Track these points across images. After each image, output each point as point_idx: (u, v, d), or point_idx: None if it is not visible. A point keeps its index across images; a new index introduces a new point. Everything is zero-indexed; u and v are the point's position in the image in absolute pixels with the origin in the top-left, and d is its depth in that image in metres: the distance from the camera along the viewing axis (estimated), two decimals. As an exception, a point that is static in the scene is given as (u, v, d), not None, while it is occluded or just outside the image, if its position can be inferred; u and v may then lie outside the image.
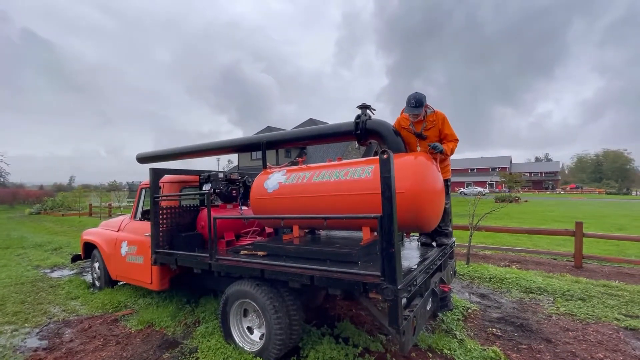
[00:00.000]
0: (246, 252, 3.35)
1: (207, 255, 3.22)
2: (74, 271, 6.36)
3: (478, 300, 4.43)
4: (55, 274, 6.20)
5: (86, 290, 5.04)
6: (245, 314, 3.17)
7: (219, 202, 4.33)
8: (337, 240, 3.50)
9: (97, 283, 5.09)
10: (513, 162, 76.15)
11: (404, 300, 2.42)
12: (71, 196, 27.43)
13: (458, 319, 3.77)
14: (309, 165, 3.72)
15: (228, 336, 3.16)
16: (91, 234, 5.21)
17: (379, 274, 2.21)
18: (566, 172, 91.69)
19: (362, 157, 3.67)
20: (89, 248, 5.29)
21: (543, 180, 70.71)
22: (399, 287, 2.12)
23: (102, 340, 3.44)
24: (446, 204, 3.46)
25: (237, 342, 3.08)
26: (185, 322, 3.78)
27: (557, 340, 3.29)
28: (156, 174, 3.91)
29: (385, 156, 2.17)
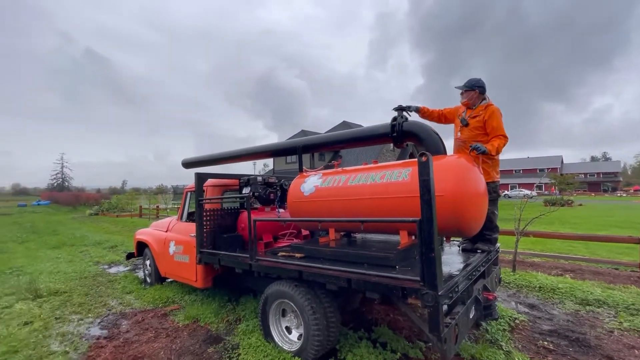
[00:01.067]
0: (284, 253, 3.44)
1: (248, 256, 3.36)
2: (128, 268, 6.93)
3: (526, 310, 4.15)
4: (112, 270, 6.80)
5: (139, 285, 5.47)
6: (284, 314, 3.26)
7: (258, 205, 4.50)
8: (373, 243, 3.48)
9: (148, 279, 5.50)
10: (565, 162, 70.12)
11: (445, 307, 2.35)
12: (124, 199, 29.89)
13: (504, 329, 3.56)
14: (344, 168, 3.74)
15: (267, 335, 3.26)
16: (143, 234, 5.64)
17: (418, 279, 2.17)
18: (629, 172, 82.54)
19: (397, 159, 3.64)
20: (141, 247, 5.73)
21: (601, 182, 64.25)
22: (439, 294, 2.07)
23: (154, 332, 3.72)
24: (489, 210, 3.30)
25: (277, 341, 3.18)
26: (228, 319, 3.96)
27: (620, 359, 2.99)
28: (200, 179, 4.15)
29: (424, 159, 2.14)
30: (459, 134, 3.61)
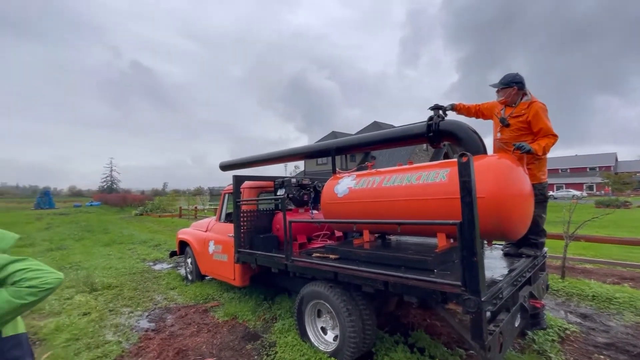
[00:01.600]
0: (318, 254, 3.48)
1: (284, 256, 3.43)
2: (170, 265, 7.35)
3: (578, 320, 3.85)
4: (157, 267, 7.25)
5: (181, 282, 5.79)
6: (319, 314, 3.29)
7: (292, 206, 4.58)
8: (409, 246, 3.42)
9: (189, 277, 5.80)
10: (619, 159, 63.99)
11: (487, 314, 2.25)
12: (165, 200, 31.73)
13: (553, 339, 3.33)
14: (378, 169, 3.71)
15: (303, 334, 3.31)
16: (185, 234, 5.96)
17: (459, 283, 2.10)
18: (699, 170, 73.24)
19: (431, 159, 3.54)
20: (183, 245, 6.06)
21: (664, 181, 57.68)
22: (482, 299, 1.98)
23: (196, 327, 3.92)
24: (536, 213, 3.10)
25: (312, 341, 3.22)
26: (264, 318, 4.07)
27: (693, 379, 2.68)
28: (237, 181, 4.32)
29: (464, 159, 2.07)
30: (498, 134, 3.42)
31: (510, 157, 2.86)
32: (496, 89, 3.41)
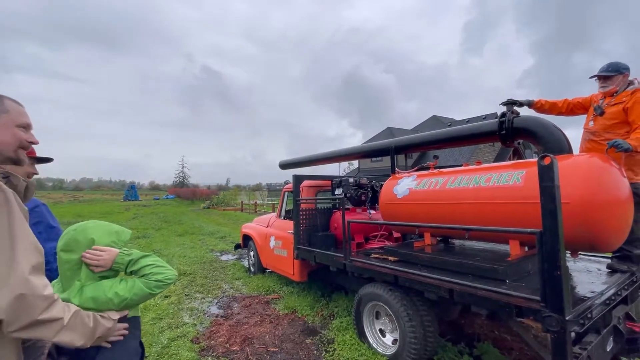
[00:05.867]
0: (377, 255, 3.45)
1: (342, 255, 3.47)
2: (235, 256, 7.92)
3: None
4: (224, 257, 7.88)
5: (245, 273, 6.21)
6: (377, 316, 3.27)
7: (349, 206, 4.60)
8: (475, 252, 3.21)
9: (252, 269, 6.19)
10: None
11: (572, 334, 2.01)
12: (228, 195, 34.21)
13: (656, 370, 2.84)
14: (441, 170, 3.54)
15: (361, 334, 3.32)
16: (248, 228, 6.37)
17: (538, 298, 1.91)
18: None
19: (497, 155, 3.24)
20: (246, 239, 6.49)
21: None
22: (567, 319, 1.78)
23: (259, 317, 4.18)
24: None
25: (370, 342, 3.21)
26: (322, 314, 4.18)
27: None
28: (298, 180, 4.48)
29: (546, 161, 1.87)
30: (590, 123, 3.05)
31: (602, 157, 2.50)
32: (596, 79, 3.04)
